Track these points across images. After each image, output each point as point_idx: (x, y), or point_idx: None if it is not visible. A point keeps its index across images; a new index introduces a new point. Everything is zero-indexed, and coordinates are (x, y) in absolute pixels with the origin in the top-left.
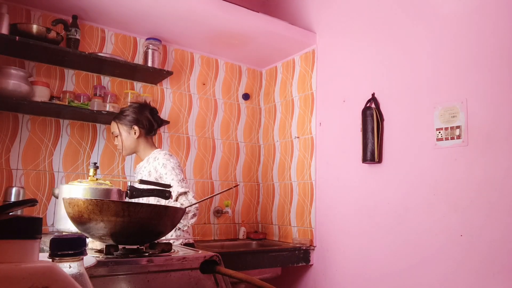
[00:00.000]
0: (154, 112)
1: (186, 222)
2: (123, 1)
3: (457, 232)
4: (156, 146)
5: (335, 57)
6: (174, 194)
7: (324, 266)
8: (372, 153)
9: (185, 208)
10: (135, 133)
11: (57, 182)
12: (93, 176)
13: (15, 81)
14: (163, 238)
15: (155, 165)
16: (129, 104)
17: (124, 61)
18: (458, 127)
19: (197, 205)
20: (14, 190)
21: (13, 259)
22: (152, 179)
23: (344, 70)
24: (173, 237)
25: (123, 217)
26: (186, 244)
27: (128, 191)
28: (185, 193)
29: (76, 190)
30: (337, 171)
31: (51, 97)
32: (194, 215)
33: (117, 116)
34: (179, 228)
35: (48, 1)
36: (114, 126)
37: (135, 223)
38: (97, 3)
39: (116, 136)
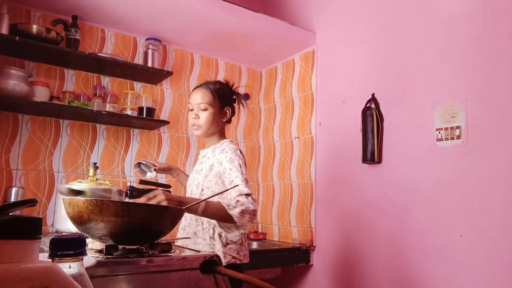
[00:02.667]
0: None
1: (240, 231)
2: (123, 1)
3: (457, 232)
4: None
5: (335, 57)
6: (235, 192)
7: (324, 266)
8: (372, 153)
9: (184, 208)
10: (225, 115)
11: (57, 182)
12: (93, 176)
13: (15, 81)
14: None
15: (220, 158)
16: (216, 80)
17: (124, 61)
18: (458, 127)
19: (253, 204)
20: (14, 190)
21: (13, 259)
22: (212, 174)
23: (344, 70)
24: (219, 253)
25: (123, 217)
26: (233, 266)
27: (128, 191)
28: (247, 195)
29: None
30: (337, 171)
31: (51, 97)
32: (251, 217)
33: (215, 89)
34: (228, 244)
35: (48, 1)
36: (207, 96)
37: (135, 223)
38: (97, 3)
39: (204, 109)
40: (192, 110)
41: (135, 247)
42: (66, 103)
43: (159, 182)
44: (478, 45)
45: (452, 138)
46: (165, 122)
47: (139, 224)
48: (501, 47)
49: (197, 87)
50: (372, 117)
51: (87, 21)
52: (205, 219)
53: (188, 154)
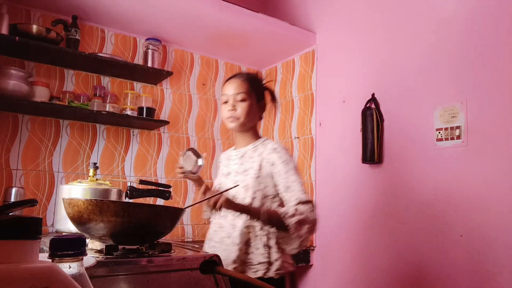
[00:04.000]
0: None
1: (299, 243)
2: (123, 1)
3: (457, 232)
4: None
5: (335, 57)
6: (294, 200)
7: (324, 266)
8: (372, 153)
9: (184, 208)
10: (262, 110)
11: (56, 182)
12: (93, 176)
13: (15, 81)
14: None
15: (272, 159)
16: (247, 72)
17: (124, 61)
18: (458, 127)
19: (313, 213)
20: (14, 190)
21: (13, 259)
22: (263, 175)
23: (344, 70)
24: (272, 268)
25: (123, 217)
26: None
27: (128, 191)
28: (307, 202)
29: (76, 190)
30: (337, 171)
31: (51, 97)
32: (310, 228)
33: (251, 79)
34: (284, 251)
35: (48, 1)
36: (245, 86)
37: (135, 223)
38: (97, 3)
39: (242, 100)
40: (226, 102)
41: (135, 247)
42: (66, 103)
43: (159, 182)
44: (478, 45)
45: (452, 138)
46: (165, 122)
47: (139, 224)
48: (501, 47)
49: (231, 77)
50: (372, 117)
51: (87, 21)
52: (257, 226)
53: None
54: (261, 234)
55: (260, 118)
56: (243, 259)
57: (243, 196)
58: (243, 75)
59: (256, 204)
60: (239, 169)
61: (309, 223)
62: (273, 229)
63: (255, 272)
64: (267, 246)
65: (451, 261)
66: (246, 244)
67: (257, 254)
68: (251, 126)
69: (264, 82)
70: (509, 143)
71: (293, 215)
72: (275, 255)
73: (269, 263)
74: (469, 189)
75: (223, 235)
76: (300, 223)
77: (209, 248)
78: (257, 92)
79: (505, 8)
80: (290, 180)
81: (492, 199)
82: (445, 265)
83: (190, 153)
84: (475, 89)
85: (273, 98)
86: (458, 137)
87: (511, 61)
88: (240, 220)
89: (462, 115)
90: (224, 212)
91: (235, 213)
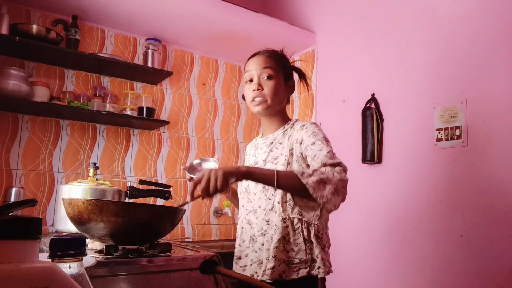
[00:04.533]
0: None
1: (324, 207)
2: (123, 1)
3: (457, 232)
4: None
5: (335, 57)
6: (317, 164)
7: None
8: (372, 153)
9: (183, 207)
10: (291, 90)
11: (57, 182)
12: (93, 176)
13: (15, 82)
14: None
15: (300, 136)
16: (273, 49)
17: (124, 62)
18: (458, 127)
19: (340, 174)
20: (14, 190)
21: (13, 259)
22: (294, 159)
23: (344, 70)
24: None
25: (123, 217)
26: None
27: (128, 191)
28: (333, 165)
29: (76, 190)
30: None
31: (51, 98)
32: (336, 189)
33: (280, 55)
34: (324, 247)
35: (48, 1)
36: (271, 61)
37: (135, 223)
38: (97, 3)
39: (269, 77)
40: (250, 81)
41: (135, 247)
42: (66, 103)
43: (159, 182)
44: (478, 45)
45: (452, 138)
46: (165, 122)
47: (139, 224)
48: (501, 47)
49: (254, 55)
50: (372, 117)
51: (87, 21)
52: (295, 218)
53: (188, 154)
54: (300, 228)
55: (288, 101)
56: (282, 258)
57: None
58: (269, 51)
59: (284, 196)
60: (268, 158)
61: (333, 184)
62: (308, 217)
63: (297, 271)
64: (309, 241)
65: (451, 261)
66: (284, 241)
67: (298, 251)
68: (279, 109)
69: (291, 60)
70: (509, 143)
71: (311, 175)
72: (316, 250)
73: (313, 260)
74: (469, 189)
75: (254, 233)
76: (321, 182)
77: (239, 251)
78: (285, 70)
79: (505, 8)
80: (316, 149)
81: (492, 199)
82: (445, 265)
83: (196, 162)
84: (475, 89)
85: (302, 77)
86: (458, 137)
87: (511, 61)
88: (275, 213)
89: (462, 115)
90: (245, 197)
91: (263, 205)
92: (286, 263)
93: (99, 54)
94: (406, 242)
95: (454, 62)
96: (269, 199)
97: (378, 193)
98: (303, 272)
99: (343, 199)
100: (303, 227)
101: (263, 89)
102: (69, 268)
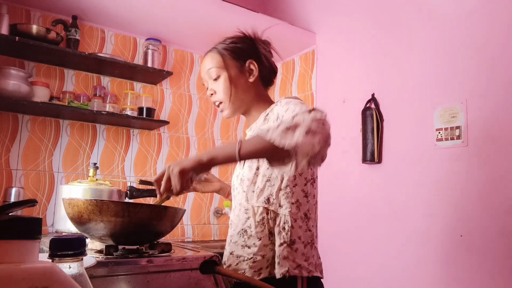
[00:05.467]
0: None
1: (298, 160)
2: (123, 1)
3: (457, 232)
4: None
5: (335, 57)
6: (286, 118)
7: (323, 266)
8: (372, 153)
9: (183, 209)
10: (251, 72)
11: (57, 182)
12: (92, 176)
13: (15, 82)
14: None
15: (276, 112)
16: (226, 37)
17: (124, 62)
18: (458, 127)
19: (316, 120)
20: (14, 190)
21: (13, 260)
22: None
23: (344, 70)
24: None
25: (123, 217)
26: (309, 280)
27: (128, 191)
28: (307, 112)
29: (76, 190)
30: (337, 171)
31: (51, 98)
32: (308, 132)
33: (224, 47)
34: (294, 243)
35: (48, 1)
36: (215, 58)
37: (135, 223)
38: (97, 3)
39: (216, 77)
40: (207, 88)
41: (135, 247)
42: (66, 103)
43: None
44: (478, 45)
45: (452, 138)
46: (165, 122)
47: (139, 224)
48: (501, 47)
49: (203, 56)
50: (372, 117)
51: (87, 21)
52: (259, 206)
53: (188, 154)
54: (265, 219)
55: (266, 84)
56: (241, 256)
57: (248, 176)
58: (214, 47)
59: (262, 182)
60: None
61: (305, 126)
62: (274, 207)
63: (259, 271)
64: (270, 234)
65: (451, 261)
66: (245, 235)
67: (259, 246)
68: (250, 100)
69: (254, 37)
70: (509, 143)
71: (277, 128)
72: (279, 248)
73: (277, 258)
74: (469, 189)
75: (232, 234)
76: (288, 129)
77: (227, 257)
78: (238, 56)
79: (506, 7)
80: (290, 110)
81: (492, 199)
82: (445, 265)
83: None
84: (475, 89)
85: (269, 50)
86: (458, 137)
87: (511, 61)
88: (250, 209)
89: (462, 115)
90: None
91: (240, 199)
92: (246, 261)
93: (99, 54)
94: (406, 242)
95: (454, 62)
96: (244, 191)
97: (378, 193)
98: (265, 272)
99: (324, 140)
100: (269, 217)
101: (216, 93)
102: (69, 268)
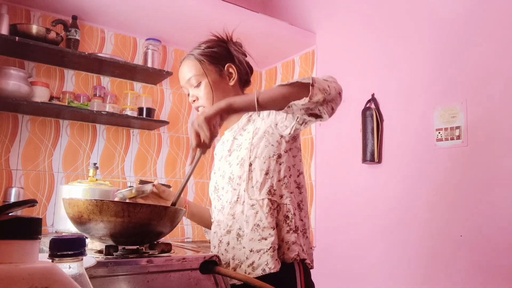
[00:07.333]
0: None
1: (317, 97)
2: (123, 1)
3: (457, 232)
4: None
5: (335, 57)
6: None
7: (324, 266)
8: (372, 153)
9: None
10: (231, 76)
11: (56, 182)
12: (92, 176)
13: (15, 82)
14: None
15: (267, 112)
16: (201, 42)
17: (123, 62)
18: (458, 127)
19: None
20: (13, 190)
21: (13, 260)
22: (258, 136)
23: (344, 70)
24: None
25: (123, 217)
26: (305, 267)
27: None
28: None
29: (76, 190)
30: (337, 171)
31: (51, 98)
32: (327, 82)
33: (200, 53)
34: (297, 229)
35: (48, 1)
36: (194, 66)
37: (135, 223)
38: (97, 4)
39: (198, 85)
40: (188, 95)
41: (135, 247)
42: (66, 103)
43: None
44: (478, 45)
45: (452, 138)
46: (165, 122)
47: (139, 224)
48: (500, 47)
49: (180, 63)
50: (372, 117)
51: (87, 21)
52: (264, 199)
53: (188, 154)
54: (272, 208)
55: (243, 85)
56: (261, 249)
57: (238, 174)
58: (190, 54)
59: (261, 176)
60: (232, 146)
61: (323, 77)
62: (268, 199)
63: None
64: (280, 221)
65: (451, 261)
66: (259, 229)
67: (271, 236)
68: None
69: (227, 39)
70: (509, 143)
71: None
72: (283, 232)
73: (280, 244)
74: (469, 189)
75: (221, 233)
76: (313, 79)
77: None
78: (215, 61)
79: (505, 8)
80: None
81: (492, 199)
82: (445, 265)
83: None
84: (475, 89)
85: (241, 53)
86: (458, 137)
87: (511, 61)
88: (241, 205)
89: (462, 115)
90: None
91: (229, 198)
92: (267, 252)
93: (99, 54)
94: (406, 242)
95: (454, 62)
96: (235, 189)
97: (378, 193)
98: (280, 259)
99: (339, 88)
100: (274, 207)
101: (198, 99)
102: (69, 268)
